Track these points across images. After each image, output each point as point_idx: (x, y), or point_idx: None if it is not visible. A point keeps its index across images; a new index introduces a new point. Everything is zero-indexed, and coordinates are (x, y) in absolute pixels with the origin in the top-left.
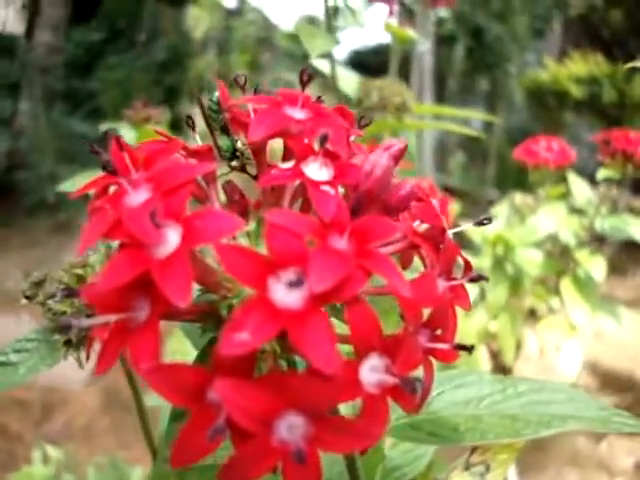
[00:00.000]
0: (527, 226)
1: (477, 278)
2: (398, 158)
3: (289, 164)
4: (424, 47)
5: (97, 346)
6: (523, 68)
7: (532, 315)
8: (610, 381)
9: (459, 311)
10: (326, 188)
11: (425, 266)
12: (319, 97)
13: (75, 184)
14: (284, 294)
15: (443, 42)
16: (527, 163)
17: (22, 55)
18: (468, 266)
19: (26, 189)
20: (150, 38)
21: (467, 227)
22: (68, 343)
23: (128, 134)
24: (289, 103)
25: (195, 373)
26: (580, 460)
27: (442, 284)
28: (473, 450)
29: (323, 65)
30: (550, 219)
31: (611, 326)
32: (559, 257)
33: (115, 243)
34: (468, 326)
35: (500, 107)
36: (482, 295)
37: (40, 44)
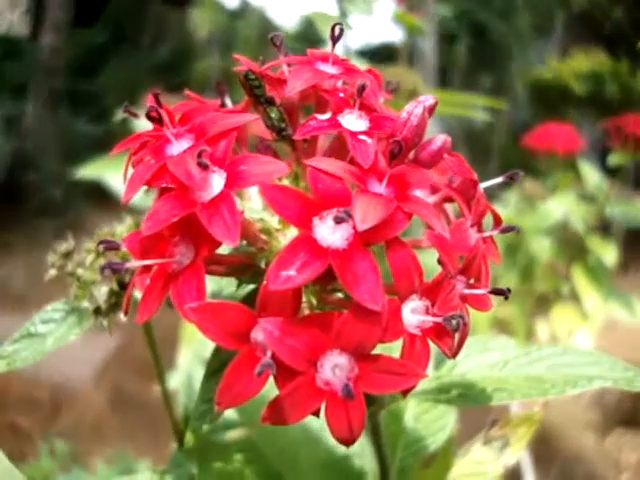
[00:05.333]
0: (538, 213)
1: (508, 229)
2: (431, 111)
3: (325, 116)
4: (426, 45)
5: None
6: (526, 65)
7: (543, 302)
8: None
9: None
10: (363, 137)
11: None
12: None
13: (92, 170)
14: (328, 233)
15: (445, 40)
16: (537, 150)
17: (27, 57)
18: (498, 220)
19: (32, 190)
20: (154, 40)
21: (495, 182)
22: (97, 311)
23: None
24: (321, 60)
25: (240, 312)
26: (587, 455)
27: (474, 235)
28: (492, 424)
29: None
30: (560, 206)
31: (623, 316)
32: (570, 244)
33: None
34: (478, 312)
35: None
36: (493, 281)
37: (45, 46)
